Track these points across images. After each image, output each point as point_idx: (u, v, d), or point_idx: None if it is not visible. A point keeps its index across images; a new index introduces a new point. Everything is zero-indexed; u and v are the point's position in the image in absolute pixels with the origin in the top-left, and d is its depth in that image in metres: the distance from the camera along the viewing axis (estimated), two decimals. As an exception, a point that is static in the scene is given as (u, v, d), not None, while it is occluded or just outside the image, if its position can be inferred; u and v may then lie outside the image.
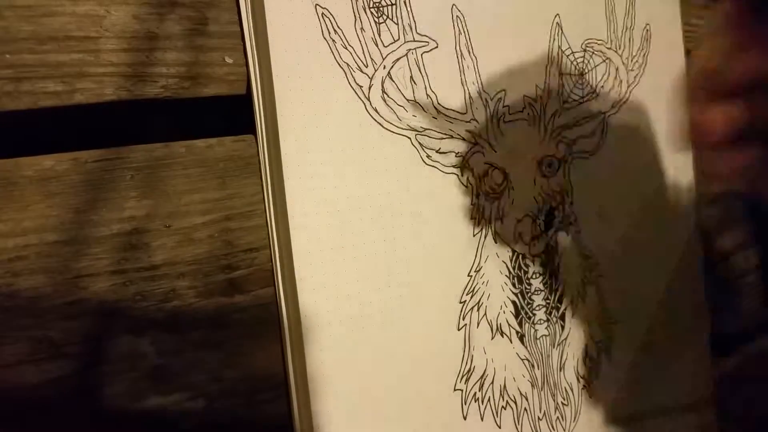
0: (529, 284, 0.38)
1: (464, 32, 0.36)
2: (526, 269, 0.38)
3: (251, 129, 0.32)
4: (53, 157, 0.28)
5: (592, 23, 0.41)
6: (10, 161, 0.27)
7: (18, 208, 0.27)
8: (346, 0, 0.32)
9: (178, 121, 0.32)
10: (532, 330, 0.38)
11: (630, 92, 0.43)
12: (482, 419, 0.36)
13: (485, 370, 0.37)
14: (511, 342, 0.38)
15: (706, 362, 0.46)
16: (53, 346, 0.27)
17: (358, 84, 0.33)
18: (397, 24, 0.34)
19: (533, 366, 0.38)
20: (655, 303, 0.44)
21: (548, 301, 0.39)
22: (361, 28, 0.33)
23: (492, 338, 0.37)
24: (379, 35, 0.33)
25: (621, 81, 0.43)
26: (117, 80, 0.29)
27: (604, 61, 0.42)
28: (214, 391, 0.31)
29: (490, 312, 0.37)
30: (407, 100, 0.34)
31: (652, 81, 0.44)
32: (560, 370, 0.39)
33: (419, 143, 0.35)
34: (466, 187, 0.36)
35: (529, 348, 0.38)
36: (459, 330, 0.36)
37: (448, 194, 0.36)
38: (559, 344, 0.39)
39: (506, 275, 0.38)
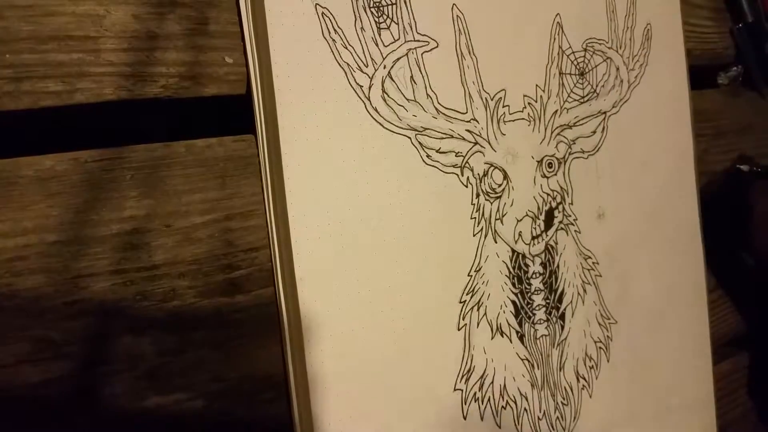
0: (529, 284, 0.38)
1: (464, 32, 0.36)
2: (526, 269, 0.38)
3: (251, 129, 0.32)
4: (53, 157, 0.28)
5: (593, 23, 0.41)
6: (10, 161, 0.27)
7: (18, 208, 0.27)
8: (347, 0, 0.32)
9: (178, 121, 0.32)
10: (532, 330, 0.38)
11: (631, 92, 0.43)
12: (482, 419, 0.36)
13: (485, 370, 0.37)
14: (511, 342, 0.38)
15: (706, 362, 0.46)
16: (53, 346, 0.27)
17: (358, 84, 0.33)
18: (398, 24, 0.34)
19: (533, 366, 0.38)
20: (655, 303, 0.44)
21: (548, 301, 0.39)
22: (362, 28, 0.33)
23: (492, 338, 0.37)
24: (380, 35, 0.33)
25: (622, 80, 0.43)
26: (117, 80, 0.29)
27: (605, 60, 0.42)
28: (214, 391, 0.31)
29: (490, 312, 0.37)
30: (407, 99, 0.34)
31: (653, 80, 0.44)
32: (560, 370, 0.39)
33: (419, 143, 0.35)
34: (466, 186, 0.36)
35: (529, 348, 0.38)
36: (459, 330, 0.36)
37: (448, 194, 0.36)
38: (559, 344, 0.39)
39: (506, 275, 0.38)
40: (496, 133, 0.37)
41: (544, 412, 0.39)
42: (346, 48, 0.32)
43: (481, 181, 0.37)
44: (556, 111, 0.40)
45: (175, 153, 0.30)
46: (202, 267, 0.31)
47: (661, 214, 0.44)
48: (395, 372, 0.34)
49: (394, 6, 0.34)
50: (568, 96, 0.40)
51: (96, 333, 0.28)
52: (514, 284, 0.38)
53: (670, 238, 0.45)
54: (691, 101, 0.46)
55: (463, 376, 0.36)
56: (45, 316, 0.27)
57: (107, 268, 0.29)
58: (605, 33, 0.42)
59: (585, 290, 0.41)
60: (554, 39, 0.40)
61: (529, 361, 0.38)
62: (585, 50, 0.41)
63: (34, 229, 0.27)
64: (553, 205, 0.39)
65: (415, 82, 0.34)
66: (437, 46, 0.35)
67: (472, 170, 0.36)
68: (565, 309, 0.40)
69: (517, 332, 0.38)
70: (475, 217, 0.37)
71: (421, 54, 0.35)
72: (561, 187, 0.40)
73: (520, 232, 0.38)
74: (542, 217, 0.39)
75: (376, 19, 0.33)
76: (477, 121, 0.37)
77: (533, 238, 0.38)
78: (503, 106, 0.37)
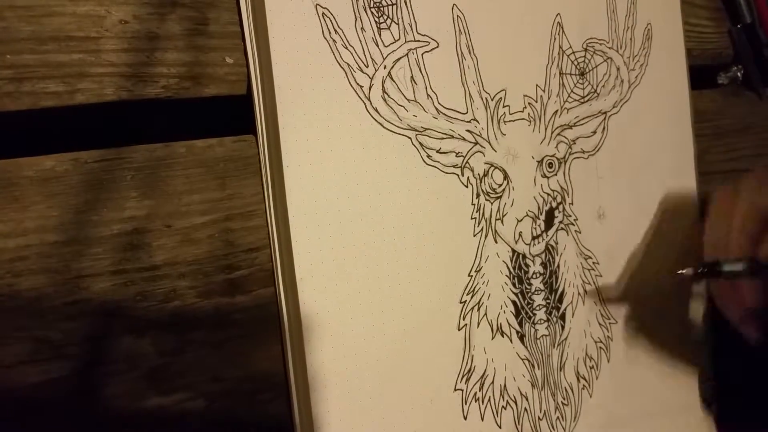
0: (530, 284, 0.38)
1: (464, 32, 0.36)
2: (526, 269, 0.38)
3: (251, 129, 0.32)
4: (54, 157, 0.28)
5: (593, 23, 0.41)
6: (10, 161, 0.27)
7: (18, 209, 0.27)
8: (347, 0, 0.32)
9: (178, 121, 0.32)
10: (533, 330, 0.38)
11: (631, 92, 0.43)
12: (482, 419, 0.36)
13: (485, 370, 0.37)
14: (512, 342, 0.38)
15: (705, 362, 0.46)
16: (54, 347, 0.27)
17: (358, 84, 0.33)
18: (398, 24, 0.34)
19: (533, 366, 0.38)
20: (655, 303, 0.44)
21: (548, 301, 0.39)
22: (362, 28, 0.33)
23: (492, 338, 0.37)
24: (380, 35, 0.33)
25: (622, 80, 0.43)
26: (117, 80, 0.29)
27: (605, 60, 0.42)
28: (214, 391, 0.31)
29: (491, 312, 0.37)
30: (408, 100, 0.34)
31: (653, 80, 0.44)
32: (560, 370, 0.39)
33: (419, 143, 0.35)
34: (466, 187, 0.36)
35: (529, 348, 0.38)
36: (459, 330, 0.36)
37: (448, 194, 0.36)
38: (559, 344, 0.39)
39: (506, 275, 0.38)
40: (497, 133, 0.37)
41: (545, 412, 0.39)
42: (347, 48, 0.32)
43: (481, 181, 0.37)
44: (557, 111, 0.40)
45: (175, 153, 0.30)
46: (202, 267, 0.31)
47: (660, 214, 0.44)
48: (395, 372, 0.34)
49: (395, 6, 0.34)
50: (569, 96, 0.40)
51: (96, 333, 0.28)
52: (514, 284, 0.38)
53: (670, 237, 0.45)
54: (691, 101, 0.46)
55: (463, 376, 0.36)
56: (45, 316, 0.27)
57: (107, 268, 0.29)
58: (605, 33, 0.42)
59: (585, 290, 0.41)
60: (554, 39, 0.40)
61: (529, 361, 0.38)
62: (585, 50, 0.41)
63: (34, 230, 0.27)
64: (554, 205, 0.39)
65: (415, 83, 0.34)
66: (437, 46, 0.35)
67: (472, 170, 0.36)
68: (565, 309, 0.40)
69: (518, 332, 0.38)
70: (475, 218, 0.37)
71: (422, 54, 0.35)
72: (561, 187, 0.40)
73: (521, 232, 0.38)
74: (542, 217, 0.39)
75: (377, 19, 0.33)
76: (477, 121, 0.37)
77: (533, 238, 0.38)
78: (503, 106, 0.37)
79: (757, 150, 0.54)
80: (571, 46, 0.40)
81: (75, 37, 0.28)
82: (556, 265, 0.39)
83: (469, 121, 0.36)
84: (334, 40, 0.32)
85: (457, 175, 0.36)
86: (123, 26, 0.29)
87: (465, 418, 0.36)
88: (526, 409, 0.38)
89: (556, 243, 0.39)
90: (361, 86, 0.33)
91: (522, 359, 0.38)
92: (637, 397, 0.43)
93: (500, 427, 0.37)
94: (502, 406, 0.37)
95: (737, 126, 0.52)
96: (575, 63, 0.40)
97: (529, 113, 0.38)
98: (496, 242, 0.37)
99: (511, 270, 0.38)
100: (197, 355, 0.30)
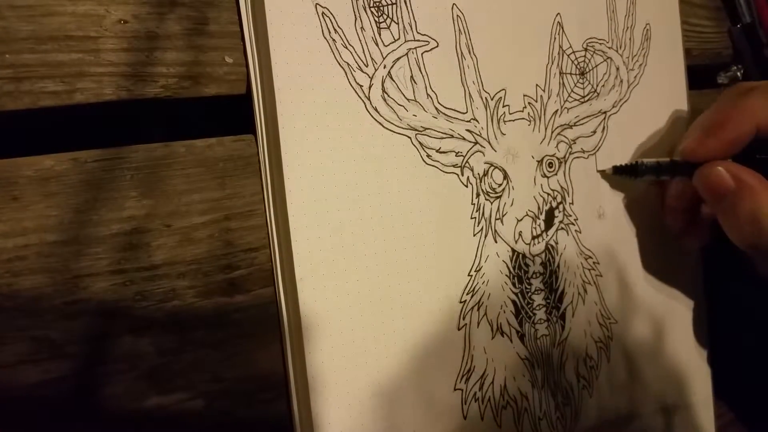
0: (530, 284, 0.38)
1: (464, 32, 0.36)
2: (526, 269, 0.38)
3: (251, 129, 0.32)
4: (53, 157, 0.28)
5: (593, 22, 0.41)
6: (9, 161, 0.27)
7: (18, 208, 0.27)
8: (346, 0, 0.32)
9: (177, 121, 0.32)
10: (533, 330, 0.38)
11: (630, 92, 0.43)
12: (482, 419, 0.36)
13: (485, 370, 0.37)
14: (512, 341, 0.38)
15: (705, 362, 0.46)
16: (53, 346, 0.27)
17: (358, 83, 0.33)
18: (398, 23, 0.34)
19: (533, 366, 0.38)
20: (655, 303, 0.44)
21: (548, 300, 0.39)
22: (362, 28, 0.33)
23: (492, 338, 0.37)
24: (380, 35, 0.33)
25: (622, 80, 0.43)
26: (117, 80, 0.29)
27: (605, 60, 0.42)
28: (214, 391, 0.31)
29: (491, 312, 0.37)
30: (407, 99, 0.34)
31: (652, 80, 0.44)
32: (560, 370, 0.39)
33: (419, 143, 0.35)
34: (466, 186, 0.36)
35: (529, 348, 0.38)
36: (459, 330, 0.36)
37: (448, 194, 0.36)
38: (559, 344, 0.39)
39: (506, 275, 0.38)
40: (497, 132, 0.37)
41: (545, 412, 0.39)
42: (346, 48, 0.32)
43: (481, 181, 0.37)
44: (557, 111, 0.40)
45: (175, 153, 0.30)
46: (201, 267, 0.31)
47: (660, 213, 0.44)
48: (395, 372, 0.34)
49: (394, 6, 0.34)
50: (569, 96, 0.40)
51: (96, 333, 0.28)
52: (514, 284, 0.38)
53: (670, 237, 0.45)
54: (691, 101, 0.46)
55: (463, 376, 0.36)
56: (45, 316, 0.27)
57: (107, 268, 0.29)
58: (605, 33, 0.42)
59: (585, 290, 0.41)
60: (554, 39, 0.40)
61: (529, 361, 0.38)
62: (585, 50, 0.41)
63: (34, 229, 0.27)
64: (554, 204, 0.39)
65: (415, 82, 0.34)
66: (437, 46, 0.35)
67: (472, 170, 0.36)
68: (565, 309, 0.40)
69: (518, 332, 0.38)
70: (475, 217, 0.37)
71: (421, 54, 0.35)
72: (561, 187, 0.40)
73: (521, 231, 0.38)
74: (542, 216, 0.39)
75: (376, 19, 0.33)
76: (477, 121, 0.37)
77: (533, 237, 0.38)
78: (503, 106, 0.37)
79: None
80: (571, 46, 0.40)
81: (74, 37, 0.28)
82: (556, 264, 0.39)
83: (469, 121, 0.36)
84: (333, 40, 0.32)
85: (457, 174, 0.36)
86: (122, 26, 0.29)
87: (465, 418, 0.36)
88: (526, 408, 0.38)
89: (556, 243, 0.39)
90: (361, 86, 0.33)
91: (522, 359, 0.38)
92: (637, 397, 0.43)
93: (500, 427, 0.37)
94: (502, 406, 0.37)
95: (737, 126, 0.52)
96: (575, 63, 0.40)
97: (529, 113, 0.38)
98: (495, 242, 0.37)
99: (511, 270, 0.38)
100: (197, 355, 0.30)
